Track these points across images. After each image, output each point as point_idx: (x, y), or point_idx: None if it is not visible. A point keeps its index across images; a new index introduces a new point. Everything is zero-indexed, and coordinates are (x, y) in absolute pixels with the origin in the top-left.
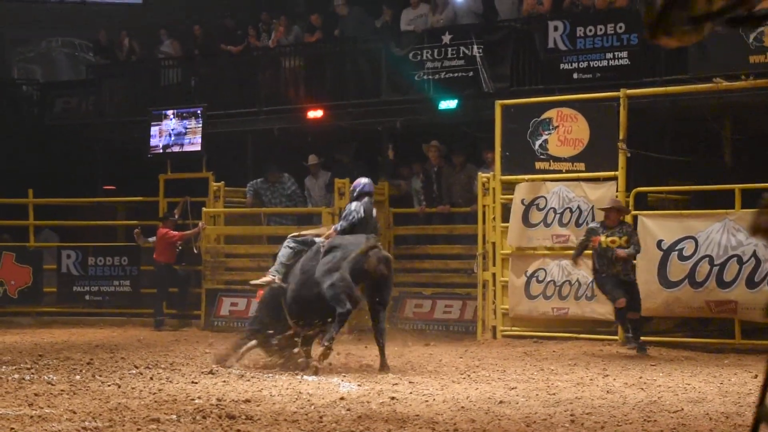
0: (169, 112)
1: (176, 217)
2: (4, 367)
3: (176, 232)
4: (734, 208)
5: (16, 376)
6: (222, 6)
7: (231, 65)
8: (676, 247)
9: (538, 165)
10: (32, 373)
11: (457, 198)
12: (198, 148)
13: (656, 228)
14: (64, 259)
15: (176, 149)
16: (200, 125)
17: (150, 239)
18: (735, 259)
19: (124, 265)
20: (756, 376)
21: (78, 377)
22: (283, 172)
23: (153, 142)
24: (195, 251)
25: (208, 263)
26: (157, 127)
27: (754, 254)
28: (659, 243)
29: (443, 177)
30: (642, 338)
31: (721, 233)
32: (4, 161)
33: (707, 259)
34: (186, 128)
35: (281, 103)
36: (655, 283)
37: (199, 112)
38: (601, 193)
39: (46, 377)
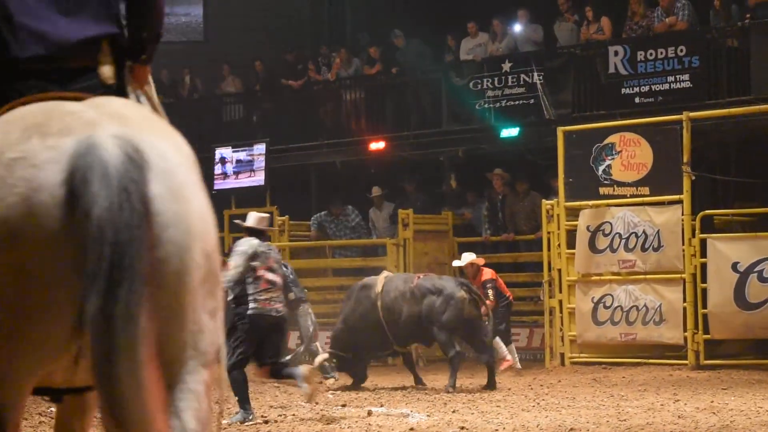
0: (232, 148)
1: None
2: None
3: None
4: None
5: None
6: (282, 41)
7: (292, 99)
8: (755, 269)
9: (602, 190)
10: None
11: (522, 225)
12: (261, 182)
13: (729, 250)
14: None
15: (240, 185)
16: (263, 160)
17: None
18: None
19: None
20: None
21: None
22: (346, 205)
23: (217, 178)
24: None
25: None
26: (220, 164)
27: None
28: (735, 265)
29: (507, 205)
30: (714, 361)
31: None
32: None
33: None
34: (249, 164)
35: (343, 135)
36: (732, 305)
37: (261, 147)
38: (667, 217)
39: None
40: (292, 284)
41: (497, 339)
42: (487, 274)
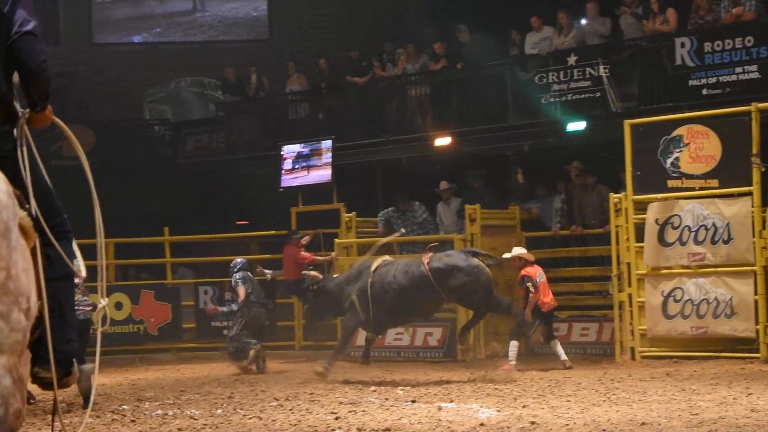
0: (298, 146)
1: (302, 242)
2: (147, 403)
3: (307, 255)
4: None
5: (160, 411)
6: (346, 38)
7: (357, 96)
8: None
9: (671, 183)
10: (175, 409)
11: (590, 219)
12: (328, 179)
13: None
14: (201, 295)
15: (307, 182)
16: (329, 157)
17: (271, 272)
18: None
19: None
20: None
21: (220, 411)
22: (413, 201)
23: (283, 175)
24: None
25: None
26: (286, 161)
27: None
28: None
29: (575, 198)
30: None
31: None
32: (139, 201)
33: None
34: (315, 161)
35: (408, 131)
36: None
37: (327, 144)
38: (736, 209)
39: (188, 412)
40: None
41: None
42: (529, 271)
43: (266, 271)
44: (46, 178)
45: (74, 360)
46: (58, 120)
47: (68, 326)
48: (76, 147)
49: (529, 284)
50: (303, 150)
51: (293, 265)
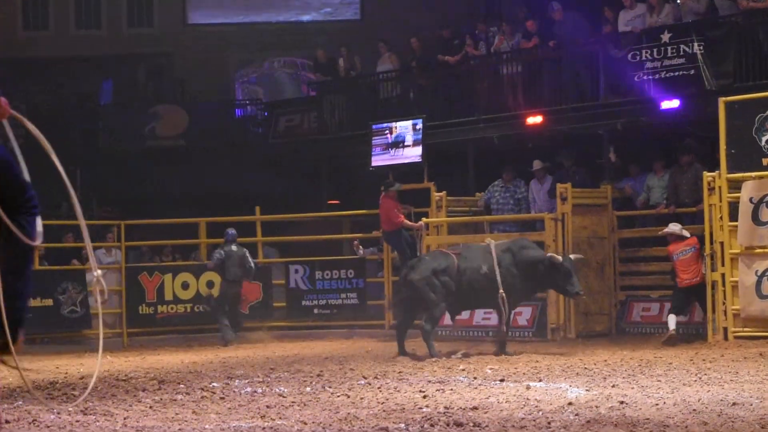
0: (390, 125)
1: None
2: (237, 380)
3: (400, 214)
4: None
5: (249, 389)
6: (439, 17)
7: (449, 75)
8: None
9: (766, 161)
10: (264, 386)
11: (684, 198)
12: (419, 159)
13: None
14: (292, 274)
15: (398, 161)
16: (420, 136)
17: (368, 250)
18: None
19: (351, 278)
20: None
21: (308, 389)
22: (517, 175)
23: (375, 155)
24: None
25: None
26: (378, 140)
27: None
28: None
29: (671, 177)
30: None
31: None
32: (232, 180)
33: None
34: (407, 140)
35: (500, 110)
36: None
37: (419, 123)
38: None
39: (277, 390)
40: None
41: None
42: (671, 248)
43: (361, 247)
44: (17, 160)
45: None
46: (14, 112)
47: (20, 297)
48: (34, 134)
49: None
50: (394, 129)
51: (387, 217)
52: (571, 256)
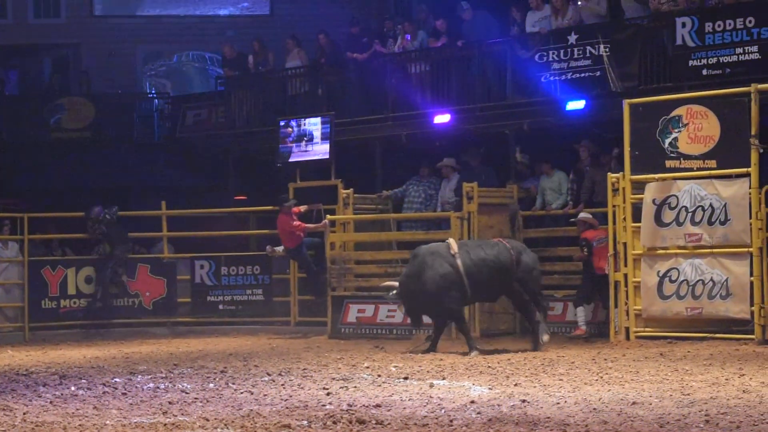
0: (298, 121)
1: (295, 210)
2: (139, 376)
3: (297, 222)
4: None
5: (151, 385)
6: (348, 14)
7: (357, 73)
8: None
9: (669, 163)
10: (167, 382)
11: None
12: (326, 156)
13: None
14: (197, 269)
15: (305, 158)
16: (328, 133)
17: (281, 247)
18: None
19: (257, 274)
20: None
21: (212, 385)
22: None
23: (282, 151)
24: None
25: (333, 270)
26: (285, 137)
27: None
28: None
29: (587, 177)
30: None
31: None
32: (138, 174)
33: None
34: (314, 137)
35: (408, 108)
36: None
37: (327, 120)
38: (734, 191)
39: (180, 386)
40: None
41: None
42: (588, 234)
43: (276, 248)
44: None
45: None
46: None
47: None
48: None
49: (584, 246)
50: (302, 126)
51: (286, 234)
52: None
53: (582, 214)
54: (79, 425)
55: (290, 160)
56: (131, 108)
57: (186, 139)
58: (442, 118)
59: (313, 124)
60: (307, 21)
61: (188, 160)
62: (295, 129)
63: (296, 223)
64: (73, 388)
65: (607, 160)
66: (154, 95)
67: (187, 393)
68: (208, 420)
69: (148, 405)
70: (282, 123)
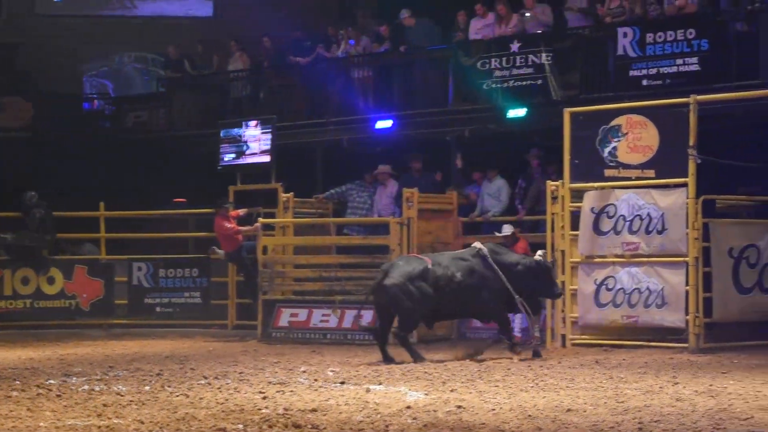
0: (239, 125)
1: (232, 213)
2: (74, 378)
3: (231, 225)
4: None
5: (86, 387)
6: (291, 18)
7: (300, 77)
8: (744, 255)
9: (608, 172)
10: (102, 384)
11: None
12: (267, 159)
13: (726, 235)
14: (135, 271)
15: (246, 161)
16: (269, 137)
17: (220, 251)
18: None
19: (195, 277)
20: None
21: (147, 388)
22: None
23: (223, 154)
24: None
25: (265, 274)
26: (226, 140)
27: None
28: (729, 250)
29: (533, 184)
30: (714, 344)
31: None
32: (76, 175)
33: None
34: (255, 140)
35: (350, 113)
36: (732, 289)
37: (268, 124)
38: (672, 200)
39: (115, 388)
40: None
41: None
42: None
43: (218, 251)
44: None
45: None
46: None
47: None
48: None
49: None
50: (243, 129)
51: (222, 237)
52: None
53: (505, 228)
54: (13, 427)
55: (231, 163)
56: (71, 108)
57: (126, 140)
58: (383, 124)
59: (255, 128)
60: (251, 24)
61: (128, 161)
62: (236, 132)
63: (230, 226)
64: (6, 390)
65: (554, 169)
66: (95, 96)
67: (122, 395)
68: (143, 423)
69: (83, 407)
70: (223, 126)
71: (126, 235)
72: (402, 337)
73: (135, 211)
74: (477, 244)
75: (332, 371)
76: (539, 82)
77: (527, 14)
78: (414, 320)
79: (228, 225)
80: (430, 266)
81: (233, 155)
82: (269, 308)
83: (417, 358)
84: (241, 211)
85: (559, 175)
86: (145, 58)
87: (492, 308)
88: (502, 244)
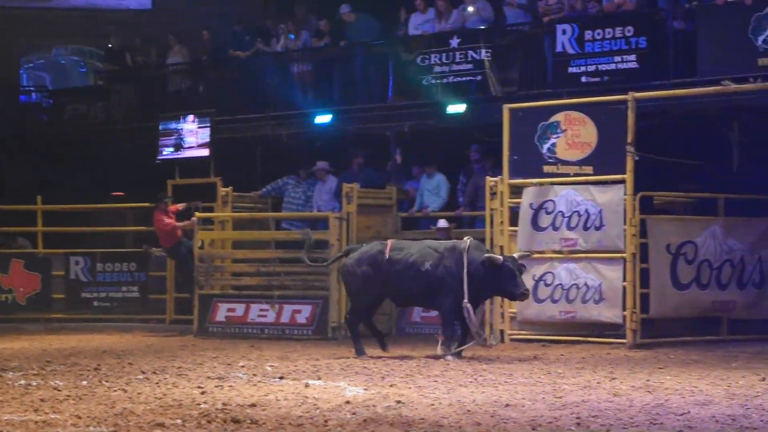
0: (178, 118)
1: (172, 208)
2: (11, 372)
3: (170, 221)
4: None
5: (23, 381)
6: (230, 12)
7: (239, 71)
8: (682, 251)
9: (546, 169)
10: (39, 379)
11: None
12: (206, 153)
13: (663, 232)
14: (72, 265)
15: (185, 155)
16: (208, 131)
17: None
18: (728, 263)
19: (132, 271)
20: (764, 379)
21: (85, 383)
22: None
23: (162, 147)
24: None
25: (201, 268)
26: (165, 133)
27: (742, 259)
28: (667, 247)
29: (471, 180)
30: (651, 340)
31: (713, 239)
32: (13, 168)
33: (706, 263)
34: (194, 134)
35: (289, 108)
36: (669, 285)
37: (207, 118)
38: (610, 197)
39: (52, 383)
40: None
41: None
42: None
43: (153, 249)
44: None
45: None
46: None
47: None
48: None
49: None
50: (182, 123)
51: (161, 233)
52: (516, 255)
53: (441, 221)
54: None
55: (169, 156)
56: (8, 101)
57: (64, 133)
58: (323, 119)
59: (193, 122)
60: (191, 17)
61: (66, 154)
62: (175, 126)
63: (168, 221)
64: None
65: (491, 164)
66: (33, 88)
67: (59, 390)
68: (80, 418)
69: (19, 402)
70: (161, 119)
71: (63, 229)
72: (350, 322)
73: (72, 205)
74: (467, 239)
75: (271, 366)
76: (479, 78)
77: (470, 8)
78: (361, 305)
79: (167, 220)
80: (387, 251)
81: (172, 149)
82: (206, 303)
83: (358, 351)
84: (180, 206)
85: (496, 171)
86: (83, 51)
87: (442, 302)
88: (435, 238)
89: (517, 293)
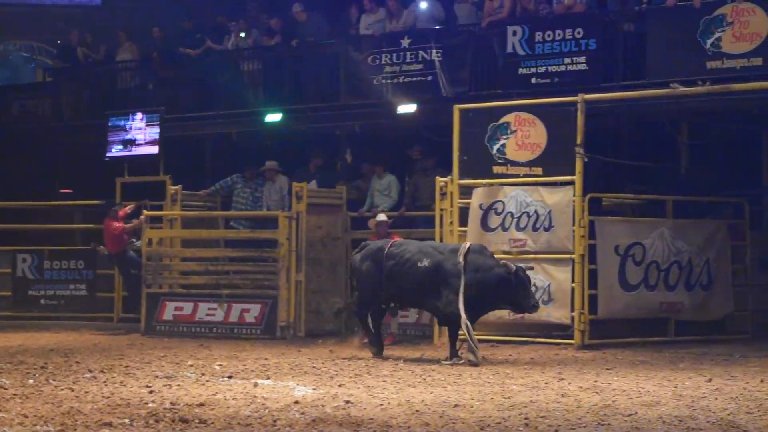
0: (127, 116)
1: (122, 212)
2: None
3: (119, 224)
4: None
5: None
6: (180, 9)
7: (189, 68)
8: (630, 252)
9: (496, 169)
10: None
11: (427, 201)
12: (155, 151)
13: (612, 233)
14: (19, 263)
15: (133, 152)
16: (158, 128)
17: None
18: (676, 264)
19: (80, 269)
20: (710, 380)
21: (31, 381)
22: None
23: (110, 145)
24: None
25: (149, 267)
26: (114, 131)
27: (690, 261)
28: (616, 248)
29: (413, 180)
30: (599, 341)
31: (661, 240)
32: None
33: (655, 264)
34: (143, 131)
35: (239, 106)
36: (617, 286)
37: (156, 115)
38: (558, 198)
39: None
40: None
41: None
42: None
43: (101, 246)
44: None
45: None
46: None
47: None
48: None
49: None
50: (131, 121)
51: (110, 237)
52: (522, 265)
53: (380, 215)
54: None
55: (118, 154)
56: None
57: (12, 129)
58: (273, 117)
59: (143, 119)
60: (141, 14)
61: (13, 151)
62: (124, 123)
63: (118, 225)
64: None
65: (431, 164)
66: None
67: (5, 389)
68: (27, 417)
69: None
70: (111, 117)
71: (10, 226)
72: (358, 314)
73: (20, 202)
74: (467, 243)
75: (219, 365)
76: (429, 78)
77: (422, 4)
78: (366, 299)
79: (117, 224)
80: (387, 247)
81: (120, 146)
82: (153, 302)
83: (371, 342)
84: (129, 208)
85: (438, 171)
86: (32, 47)
87: (445, 308)
88: (375, 233)
89: (528, 306)
